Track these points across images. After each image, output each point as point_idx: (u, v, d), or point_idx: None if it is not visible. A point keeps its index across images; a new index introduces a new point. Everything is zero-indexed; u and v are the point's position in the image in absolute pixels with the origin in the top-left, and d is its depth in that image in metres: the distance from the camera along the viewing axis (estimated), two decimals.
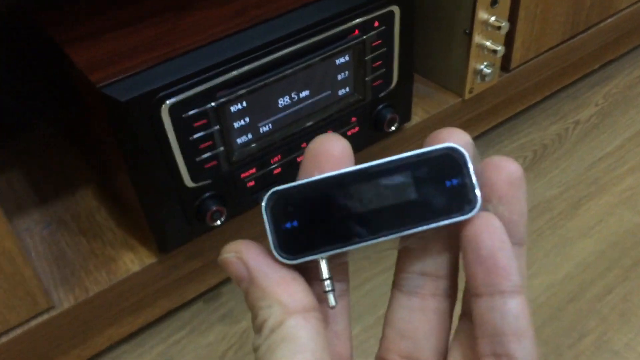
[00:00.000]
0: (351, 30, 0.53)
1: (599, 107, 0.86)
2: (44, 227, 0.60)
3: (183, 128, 0.47)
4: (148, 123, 0.46)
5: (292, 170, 0.57)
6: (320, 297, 0.23)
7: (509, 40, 0.71)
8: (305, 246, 0.22)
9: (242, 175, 0.54)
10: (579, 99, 0.88)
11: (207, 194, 0.52)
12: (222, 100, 0.48)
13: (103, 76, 0.45)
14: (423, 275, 0.24)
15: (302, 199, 0.22)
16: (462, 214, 0.22)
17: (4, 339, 0.50)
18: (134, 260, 0.55)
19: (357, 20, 0.53)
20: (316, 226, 0.22)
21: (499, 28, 0.66)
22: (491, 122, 0.81)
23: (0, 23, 0.70)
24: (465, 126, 0.77)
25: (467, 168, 0.22)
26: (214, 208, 0.52)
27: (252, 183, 0.55)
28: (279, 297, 0.21)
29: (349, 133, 0.60)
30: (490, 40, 0.68)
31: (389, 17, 0.55)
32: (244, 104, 0.50)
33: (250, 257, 0.22)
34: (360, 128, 0.61)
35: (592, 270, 0.65)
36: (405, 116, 0.66)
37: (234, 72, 0.48)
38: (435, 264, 0.24)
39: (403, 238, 0.23)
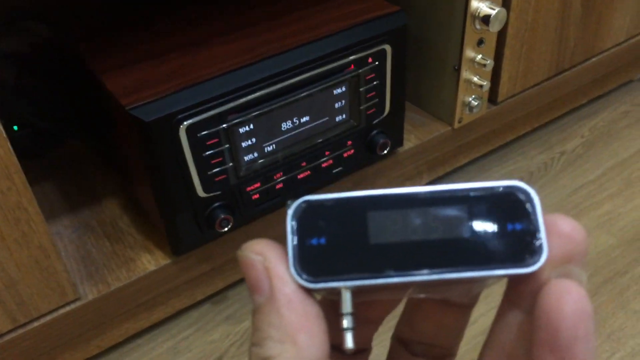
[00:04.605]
0: (347, 65, 0.61)
1: (585, 139, 0.93)
2: (73, 230, 0.68)
3: (197, 146, 0.55)
4: (168, 141, 0.53)
5: (293, 185, 0.65)
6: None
7: (495, 76, 0.79)
8: (330, 270, 0.19)
9: (248, 189, 0.61)
10: (566, 131, 0.95)
11: (216, 204, 0.60)
12: (232, 122, 0.56)
13: (132, 100, 0.53)
14: (431, 345, 0.23)
15: (337, 214, 0.19)
16: (522, 266, 0.19)
17: (36, 324, 0.57)
18: (150, 261, 0.63)
19: (353, 57, 0.61)
20: (347, 249, 0.19)
21: (484, 65, 0.73)
22: (482, 150, 0.88)
23: (42, 52, 0.79)
24: (456, 152, 0.84)
25: (535, 212, 0.20)
26: (222, 216, 0.60)
27: (256, 196, 0.62)
28: (297, 336, 0.18)
29: (345, 155, 0.68)
30: (477, 76, 0.75)
31: (381, 55, 0.63)
32: (251, 126, 0.58)
33: (277, 273, 0.19)
34: (355, 151, 0.68)
35: None
36: (398, 141, 0.73)
37: (243, 99, 0.56)
38: (447, 337, 0.23)
39: (440, 283, 0.20)
